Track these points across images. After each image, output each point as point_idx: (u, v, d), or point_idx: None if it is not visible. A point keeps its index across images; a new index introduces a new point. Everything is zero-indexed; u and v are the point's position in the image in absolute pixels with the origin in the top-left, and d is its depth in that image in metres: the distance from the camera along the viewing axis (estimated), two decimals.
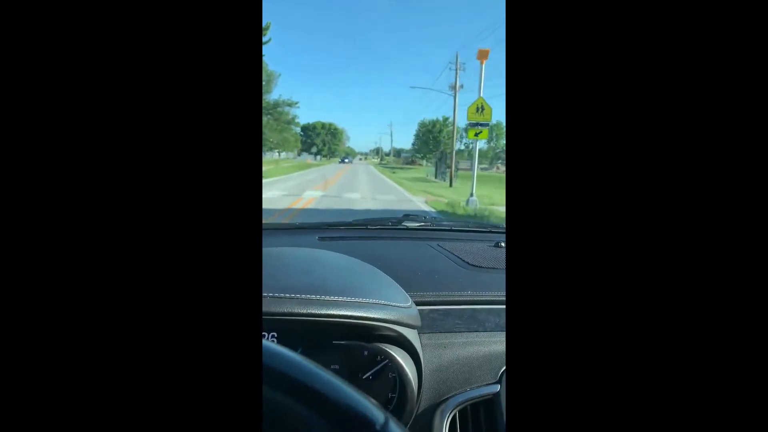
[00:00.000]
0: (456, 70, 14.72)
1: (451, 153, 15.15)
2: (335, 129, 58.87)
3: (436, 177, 19.86)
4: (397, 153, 69.74)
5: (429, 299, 0.60)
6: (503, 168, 39.27)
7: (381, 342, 0.48)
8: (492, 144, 45.65)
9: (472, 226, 1.15)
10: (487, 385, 0.52)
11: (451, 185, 14.56)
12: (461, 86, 15.02)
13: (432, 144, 37.16)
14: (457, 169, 15.73)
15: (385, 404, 0.47)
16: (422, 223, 1.11)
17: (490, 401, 0.51)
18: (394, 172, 26.40)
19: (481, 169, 36.31)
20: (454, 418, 0.49)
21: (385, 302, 0.48)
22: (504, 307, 0.60)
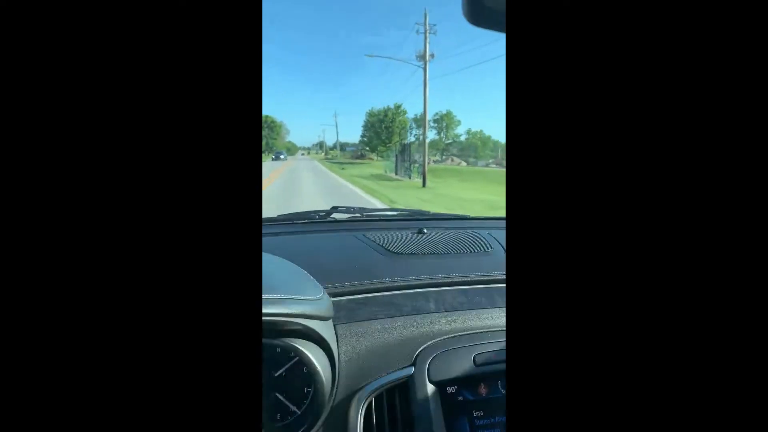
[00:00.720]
0: (425, 32, 11.26)
1: (423, 144, 11.72)
2: (273, 122, 53.37)
3: (396, 173, 16.58)
4: (342, 147, 65.52)
5: (347, 289, 0.63)
6: (458, 160, 37.14)
7: (290, 337, 0.48)
8: (442, 135, 43.55)
9: (399, 214, 1.18)
10: (402, 368, 0.53)
11: (424, 185, 11.29)
12: (432, 56, 11.59)
13: (384, 135, 33.72)
14: (419, 164, 12.53)
15: (301, 399, 0.49)
16: (351, 215, 1.10)
17: (404, 384, 0.52)
18: (343, 168, 22.56)
19: (434, 162, 33.69)
20: (370, 404, 0.51)
21: (291, 296, 0.47)
22: (420, 290, 0.65)
